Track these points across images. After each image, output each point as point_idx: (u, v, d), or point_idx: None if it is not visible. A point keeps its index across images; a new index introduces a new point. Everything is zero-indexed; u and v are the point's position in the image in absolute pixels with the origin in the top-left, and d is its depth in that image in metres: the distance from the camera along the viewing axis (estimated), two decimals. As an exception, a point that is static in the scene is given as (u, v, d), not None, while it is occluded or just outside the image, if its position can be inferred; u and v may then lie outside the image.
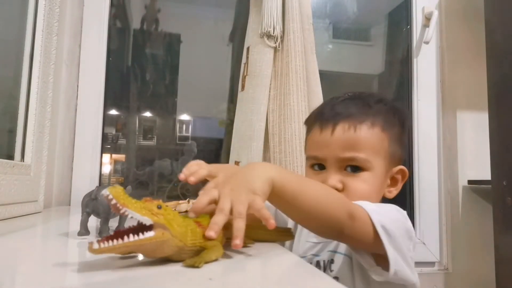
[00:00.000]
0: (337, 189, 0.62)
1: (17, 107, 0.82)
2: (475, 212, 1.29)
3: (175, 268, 0.38)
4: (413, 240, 0.58)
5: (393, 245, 0.52)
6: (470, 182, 1.29)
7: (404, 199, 1.36)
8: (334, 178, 0.63)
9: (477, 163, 1.30)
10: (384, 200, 0.67)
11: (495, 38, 1.08)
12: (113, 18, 1.26)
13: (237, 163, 1.07)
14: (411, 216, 1.32)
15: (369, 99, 0.68)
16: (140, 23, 1.37)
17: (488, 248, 1.14)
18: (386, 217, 0.53)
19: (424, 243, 1.29)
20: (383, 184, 0.66)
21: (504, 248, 1.03)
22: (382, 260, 0.53)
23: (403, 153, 0.68)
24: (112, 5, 1.23)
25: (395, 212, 0.58)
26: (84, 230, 0.50)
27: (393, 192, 0.67)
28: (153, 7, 1.38)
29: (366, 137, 0.63)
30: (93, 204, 0.50)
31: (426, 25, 1.34)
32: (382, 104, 0.68)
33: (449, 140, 1.32)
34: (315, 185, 0.52)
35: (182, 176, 0.51)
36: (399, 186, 0.67)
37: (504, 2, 1.06)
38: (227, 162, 1.14)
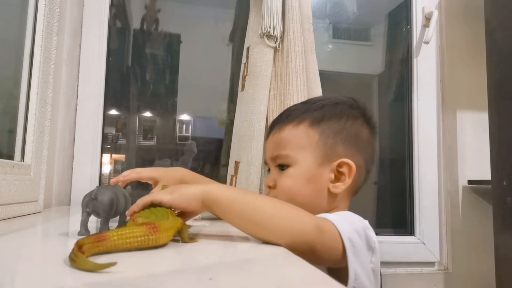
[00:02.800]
0: (269, 187, 0.70)
1: (17, 107, 0.82)
2: (475, 212, 1.30)
3: (175, 268, 0.38)
4: (375, 252, 0.57)
5: (357, 259, 0.51)
6: (470, 182, 1.29)
7: (404, 199, 1.36)
8: (269, 177, 0.70)
9: (477, 163, 1.30)
10: (331, 196, 0.66)
11: (495, 38, 1.08)
12: (113, 18, 1.26)
13: (237, 163, 1.07)
14: (411, 216, 1.32)
15: (309, 101, 0.74)
16: (140, 23, 1.37)
17: (488, 248, 1.14)
18: (351, 228, 0.53)
19: (424, 243, 1.29)
20: (317, 178, 0.65)
21: (504, 248, 1.03)
22: (339, 272, 0.52)
23: (350, 147, 0.67)
24: (112, 5, 1.23)
25: (358, 222, 0.57)
26: (84, 230, 0.50)
27: (340, 187, 0.65)
28: (153, 7, 1.38)
29: (289, 135, 0.68)
30: (93, 204, 0.50)
31: (426, 25, 1.34)
32: (319, 103, 0.70)
33: (449, 140, 1.32)
34: (261, 198, 0.54)
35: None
36: (347, 181, 0.65)
37: (504, 2, 1.06)
38: (227, 162, 1.14)
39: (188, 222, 0.52)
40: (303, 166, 0.65)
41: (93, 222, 0.54)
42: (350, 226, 0.53)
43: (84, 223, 0.51)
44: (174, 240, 0.48)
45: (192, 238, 0.50)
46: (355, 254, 0.51)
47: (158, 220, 0.46)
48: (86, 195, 0.52)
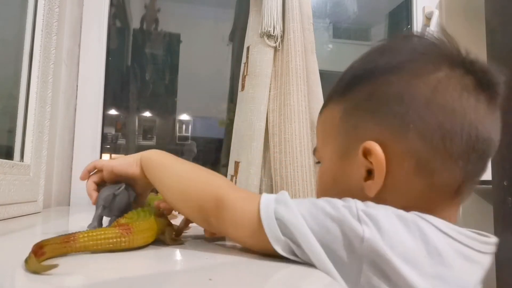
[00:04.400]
0: None
1: (16, 107, 0.81)
2: (475, 212, 1.29)
3: (175, 268, 0.38)
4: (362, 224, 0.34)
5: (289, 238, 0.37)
6: (470, 182, 1.29)
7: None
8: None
9: (477, 163, 1.30)
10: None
11: (496, 38, 1.08)
12: (113, 18, 1.26)
13: (237, 163, 1.07)
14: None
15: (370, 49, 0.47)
16: (140, 23, 1.37)
17: (488, 248, 1.13)
18: (306, 211, 0.37)
19: (424, 243, 1.28)
20: (342, 177, 0.44)
21: (504, 248, 1.03)
22: None
23: (388, 113, 0.40)
24: (112, 4, 1.23)
25: (339, 208, 0.36)
26: (97, 224, 0.49)
27: (371, 186, 0.40)
28: (153, 7, 1.38)
29: (319, 121, 0.50)
30: (113, 200, 0.49)
31: (426, 25, 1.34)
32: (365, 59, 0.46)
33: (449, 140, 1.32)
34: (186, 165, 0.50)
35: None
36: (377, 179, 0.39)
37: (504, 2, 1.06)
38: (227, 162, 1.14)
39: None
40: (325, 163, 0.48)
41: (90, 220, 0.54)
42: (308, 209, 0.37)
43: (99, 218, 0.49)
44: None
45: (176, 239, 0.48)
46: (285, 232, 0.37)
47: (140, 221, 0.44)
48: (108, 188, 0.50)
